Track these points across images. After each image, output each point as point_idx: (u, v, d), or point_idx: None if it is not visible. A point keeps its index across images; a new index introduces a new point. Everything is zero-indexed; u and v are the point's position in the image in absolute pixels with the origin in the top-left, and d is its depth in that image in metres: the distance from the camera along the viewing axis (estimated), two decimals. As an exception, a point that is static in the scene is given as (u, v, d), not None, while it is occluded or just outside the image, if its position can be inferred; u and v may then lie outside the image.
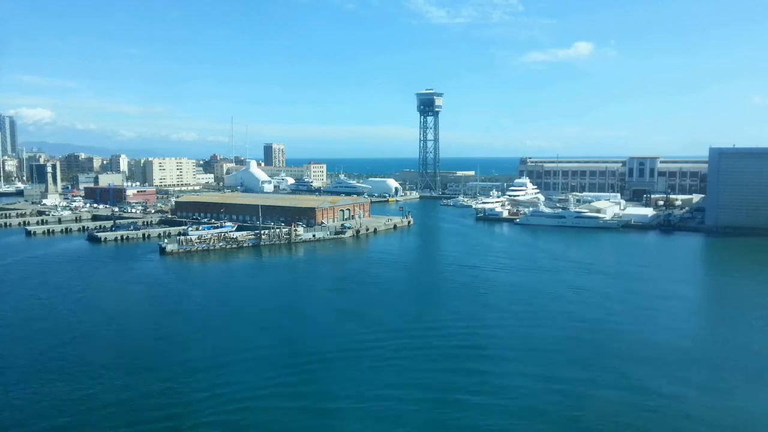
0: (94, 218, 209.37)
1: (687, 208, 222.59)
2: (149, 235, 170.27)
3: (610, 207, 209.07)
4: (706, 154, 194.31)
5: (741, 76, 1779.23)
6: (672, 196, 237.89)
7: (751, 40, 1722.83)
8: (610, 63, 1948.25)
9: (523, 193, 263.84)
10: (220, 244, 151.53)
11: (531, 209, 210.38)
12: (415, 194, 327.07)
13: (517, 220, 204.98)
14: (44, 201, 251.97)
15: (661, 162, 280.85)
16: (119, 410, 55.07)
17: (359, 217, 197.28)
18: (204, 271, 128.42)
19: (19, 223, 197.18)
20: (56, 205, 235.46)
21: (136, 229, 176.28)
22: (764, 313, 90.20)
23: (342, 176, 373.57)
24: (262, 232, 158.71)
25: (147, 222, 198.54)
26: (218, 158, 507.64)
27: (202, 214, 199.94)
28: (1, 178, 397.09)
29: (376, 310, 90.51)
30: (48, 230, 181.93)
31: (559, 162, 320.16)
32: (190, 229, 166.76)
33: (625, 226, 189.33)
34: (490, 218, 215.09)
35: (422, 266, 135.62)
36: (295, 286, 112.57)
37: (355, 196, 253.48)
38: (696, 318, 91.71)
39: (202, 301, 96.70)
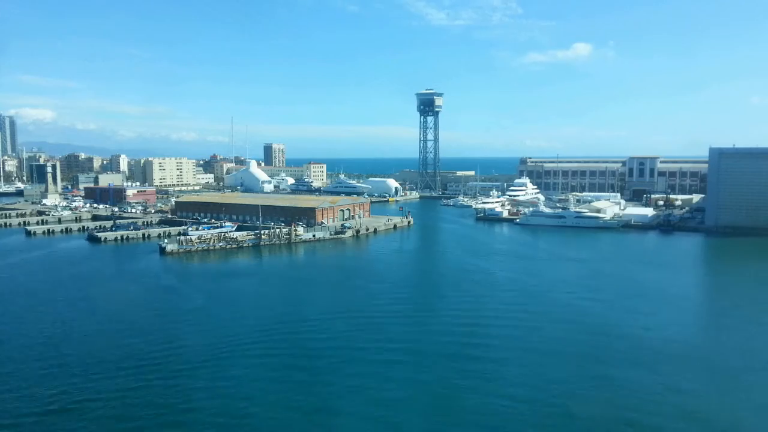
0: (94, 218, 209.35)
1: (687, 208, 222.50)
2: (149, 235, 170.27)
3: (610, 207, 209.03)
4: (706, 154, 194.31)
5: (739, 76, 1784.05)
6: (672, 196, 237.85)
7: (748, 41, 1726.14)
8: (609, 64, 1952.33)
9: (523, 193, 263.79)
10: (220, 244, 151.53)
11: (531, 209, 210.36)
12: (415, 194, 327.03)
13: (517, 220, 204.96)
14: (44, 201, 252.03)
15: (661, 162, 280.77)
16: (118, 410, 55.04)
17: (359, 217, 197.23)
18: (204, 271, 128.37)
19: (19, 223, 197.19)
20: (56, 205, 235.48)
21: (136, 229, 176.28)
22: (764, 312, 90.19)
23: (342, 176, 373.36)
24: (262, 232, 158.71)
25: (147, 222, 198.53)
26: (218, 158, 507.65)
27: (202, 214, 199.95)
28: (1, 178, 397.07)
29: (376, 310, 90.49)
30: (48, 230, 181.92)
31: (559, 162, 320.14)
32: (190, 229, 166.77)
33: (625, 226, 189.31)
34: (490, 218, 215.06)
35: (422, 266, 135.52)
36: (295, 286, 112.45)
37: (355, 196, 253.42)
38: (696, 318, 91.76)
39: (202, 301, 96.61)
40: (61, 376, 63.50)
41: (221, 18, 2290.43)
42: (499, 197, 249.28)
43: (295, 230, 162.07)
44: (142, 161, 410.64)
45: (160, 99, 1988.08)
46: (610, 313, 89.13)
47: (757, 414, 54.80)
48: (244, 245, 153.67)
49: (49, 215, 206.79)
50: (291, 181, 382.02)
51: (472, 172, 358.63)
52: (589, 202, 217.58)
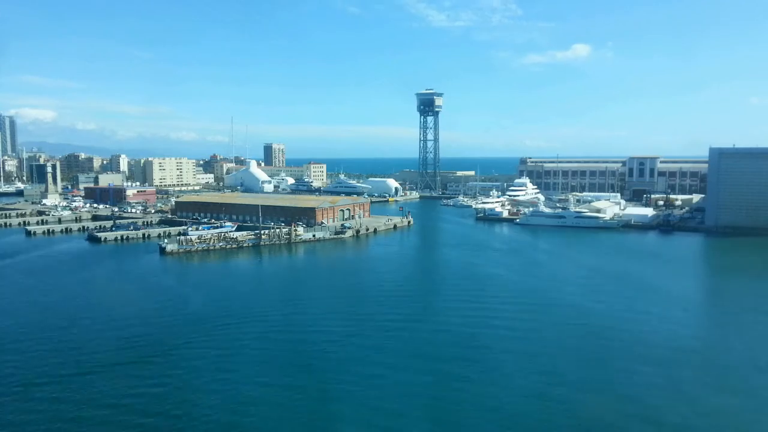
0: (94, 218, 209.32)
1: (687, 208, 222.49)
2: (149, 235, 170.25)
3: (610, 207, 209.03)
4: (706, 154, 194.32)
5: (738, 77, 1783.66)
6: (672, 196, 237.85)
7: (748, 41, 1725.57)
8: (608, 64, 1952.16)
9: (523, 193, 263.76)
10: (220, 244, 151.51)
11: (531, 209, 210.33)
12: (415, 194, 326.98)
13: (517, 220, 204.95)
14: (44, 201, 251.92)
15: (661, 162, 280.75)
16: (117, 410, 55.03)
17: (359, 217, 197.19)
18: (204, 272, 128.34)
19: (19, 223, 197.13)
20: (56, 205, 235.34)
21: (136, 229, 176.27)
22: (765, 312, 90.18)
23: (342, 176, 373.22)
24: (262, 232, 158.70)
25: (147, 222, 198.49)
26: (218, 158, 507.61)
27: (202, 214, 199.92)
28: (1, 178, 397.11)
29: (376, 310, 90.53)
30: (48, 230, 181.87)
31: (559, 162, 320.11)
32: (190, 229, 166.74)
33: (625, 226, 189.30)
34: (490, 218, 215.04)
35: (422, 266, 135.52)
36: (296, 286, 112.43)
37: (355, 196, 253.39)
38: (696, 318, 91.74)
39: (201, 301, 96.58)
40: (60, 376, 63.49)
41: (222, 18, 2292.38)
42: (499, 197, 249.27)
43: (295, 230, 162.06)
44: (142, 161, 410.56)
45: (160, 99, 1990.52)
46: (611, 312, 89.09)
47: (759, 414, 54.81)
48: (244, 245, 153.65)
49: (49, 215, 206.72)
50: (291, 181, 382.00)
51: (472, 172, 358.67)
52: (589, 202, 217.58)
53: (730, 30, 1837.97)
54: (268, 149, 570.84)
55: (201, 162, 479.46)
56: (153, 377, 63.08)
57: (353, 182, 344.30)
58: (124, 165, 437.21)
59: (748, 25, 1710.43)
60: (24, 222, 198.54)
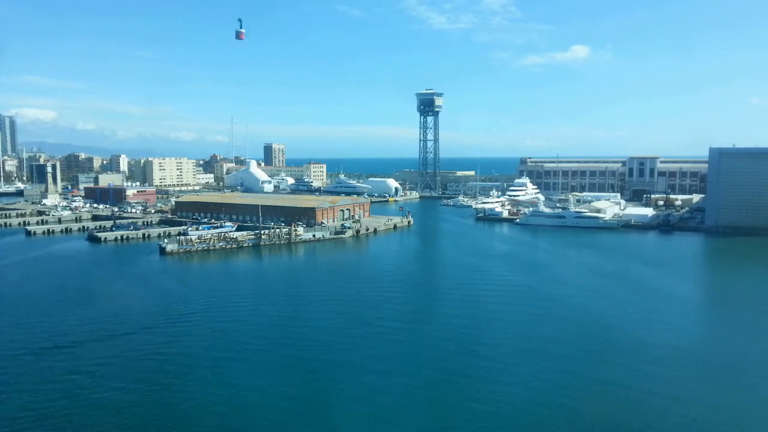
0: (94, 218, 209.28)
1: (687, 208, 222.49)
2: (149, 235, 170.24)
3: (610, 207, 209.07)
4: (706, 154, 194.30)
5: (738, 77, 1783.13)
6: (672, 196, 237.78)
7: (747, 41, 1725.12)
8: (607, 65, 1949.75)
9: (523, 193, 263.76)
10: (220, 244, 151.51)
11: (531, 209, 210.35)
12: (415, 194, 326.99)
13: (517, 220, 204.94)
14: (44, 201, 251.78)
15: (661, 162, 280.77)
16: (117, 411, 55.02)
17: (359, 217, 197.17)
18: (204, 272, 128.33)
19: (19, 223, 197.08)
20: (56, 205, 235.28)
21: (136, 229, 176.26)
22: (764, 312, 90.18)
23: (342, 176, 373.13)
24: (262, 232, 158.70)
25: (147, 222, 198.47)
26: (218, 158, 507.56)
27: (202, 214, 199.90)
28: (1, 178, 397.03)
29: (376, 310, 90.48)
30: (48, 230, 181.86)
31: (559, 162, 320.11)
32: (190, 229, 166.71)
33: (625, 226, 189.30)
34: (490, 218, 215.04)
35: (422, 266, 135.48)
36: (296, 286, 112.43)
37: (355, 196, 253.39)
38: (697, 318, 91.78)
39: (201, 301, 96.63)
40: (60, 376, 63.49)
41: (222, 19, 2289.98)
42: (499, 197, 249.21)
43: (295, 230, 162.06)
44: (142, 161, 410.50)
45: (160, 99, 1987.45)
46: (611, 312, 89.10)
47: (759, 413, 54.82)
48: (244, 245, 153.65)
49: (49, 215, 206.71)
50: (291, 181, 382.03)
51: (472, 172, 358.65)
52: (589, 202, 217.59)
53: (729, 30, 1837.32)
54: (268, 149, 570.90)
55: (201, 162, 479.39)
56: (153, 377, 63.05)
57: (353, 182, 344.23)
58: (124, 165, 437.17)
59: (748, 25, 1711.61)
60: (24, 222, 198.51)
